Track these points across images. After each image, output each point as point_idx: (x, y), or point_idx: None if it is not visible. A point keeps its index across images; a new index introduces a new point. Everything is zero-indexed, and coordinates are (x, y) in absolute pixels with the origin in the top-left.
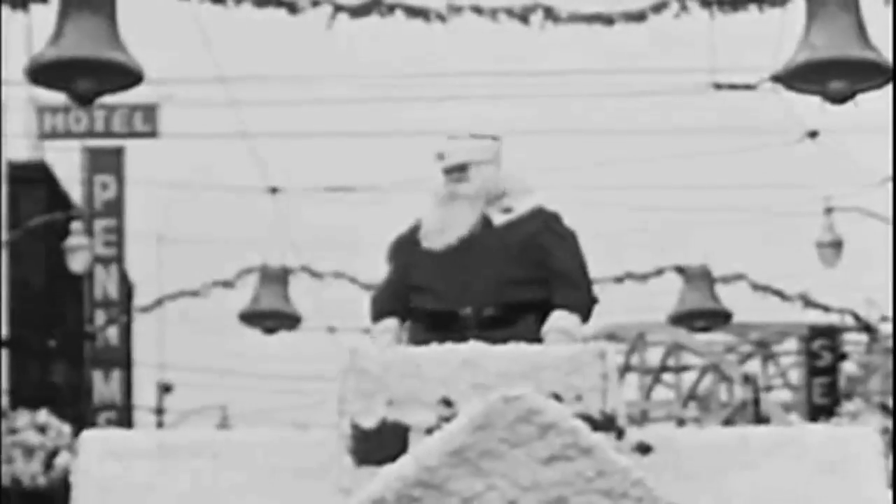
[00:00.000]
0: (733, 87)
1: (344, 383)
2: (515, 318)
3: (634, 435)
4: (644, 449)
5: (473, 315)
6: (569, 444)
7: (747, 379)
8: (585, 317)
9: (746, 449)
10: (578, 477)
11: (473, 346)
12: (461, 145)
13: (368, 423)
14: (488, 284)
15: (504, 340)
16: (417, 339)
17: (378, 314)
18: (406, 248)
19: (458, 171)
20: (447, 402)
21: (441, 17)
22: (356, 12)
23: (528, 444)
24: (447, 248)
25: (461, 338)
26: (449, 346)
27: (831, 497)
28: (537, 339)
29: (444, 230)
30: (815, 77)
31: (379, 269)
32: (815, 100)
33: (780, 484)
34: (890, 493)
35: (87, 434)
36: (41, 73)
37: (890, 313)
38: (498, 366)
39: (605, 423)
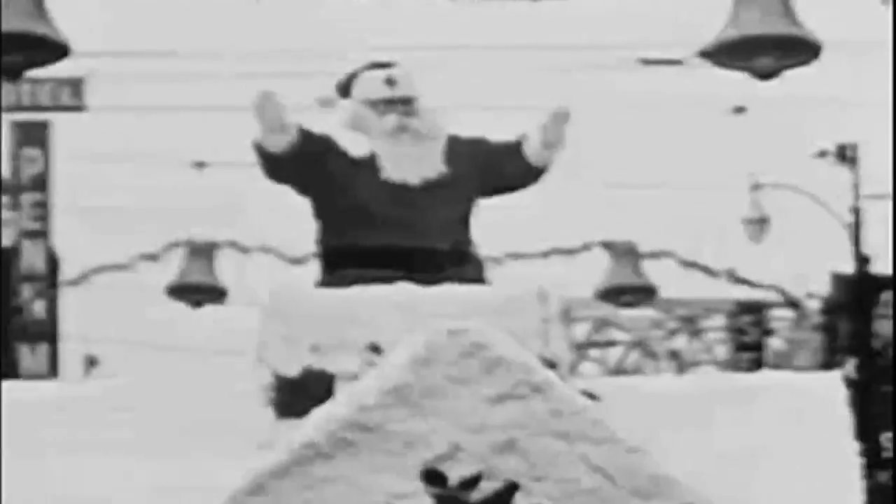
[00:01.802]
0: (661, 62)
1: (264, 328)
2: (467, 259)
3: (578, 385)
4: (590, 397)
5: (431, 254)
6: (519, 382)
7: (673, 355)
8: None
9: (700, 398)
10: (531, 417)
11: (404, 288)
12: (407, 77)
13: (291, 371)
14: (447, 223)
15: (458, 280)
16: (351, 279)
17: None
18: (353, 170)
19: (403, 104)
20: (375, 349)
21: None
22: None
23: (475, 382)
24: (414, 185)
25: (409, 278)
26: (378, 288)
27: (793, 449)
28: (482, 281)
29: (403, 165)
30: (743, 53)
31: (307, 243)
32: (742, 75)
33: (738, 434)
34: (856, 444)
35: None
36: None
37: (816, 289)
38: (431, 308)
39: None
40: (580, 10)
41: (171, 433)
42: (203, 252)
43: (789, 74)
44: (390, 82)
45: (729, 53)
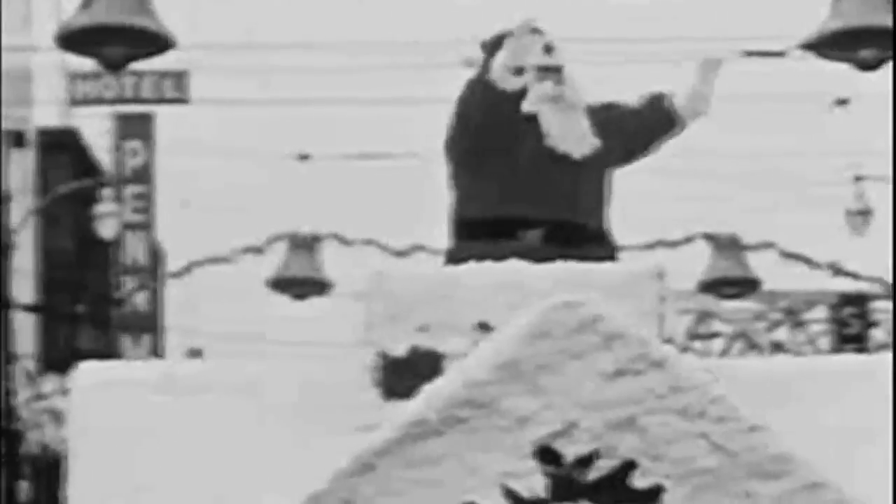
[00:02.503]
0: (763, 53)
1: (369, 308)
2: (608, 239)
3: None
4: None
5: (583, 231)
6: (637, 357)
7: (776, 346)
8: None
9: (803, 379)
10: (649, 394)
11: (513, 265)
12: (560, 46)
13: (397, 351)
14: (597, 200)
15: (598, 260)
16: (497, 250)
17: None
18: (520, 124)
19: (555, 73)
20: (485, 327)
21: None
22: None
23: (591, 356)
24: (576, 158)
25: (559, 255)
26: (487, 265)
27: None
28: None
29: (569, 136)
30: (846, 44)
31: (407, 238)
32: (845, 67)
33: (842, 415)
34: None
35: (83, 366)
36: (71, 40)
37: None
38: (542, 286)
39: None
40: (686, 3)
41: (273, 414)
42: (306, 245)
43: (893, 65)
44: (549, 49)
45: (831, 45)
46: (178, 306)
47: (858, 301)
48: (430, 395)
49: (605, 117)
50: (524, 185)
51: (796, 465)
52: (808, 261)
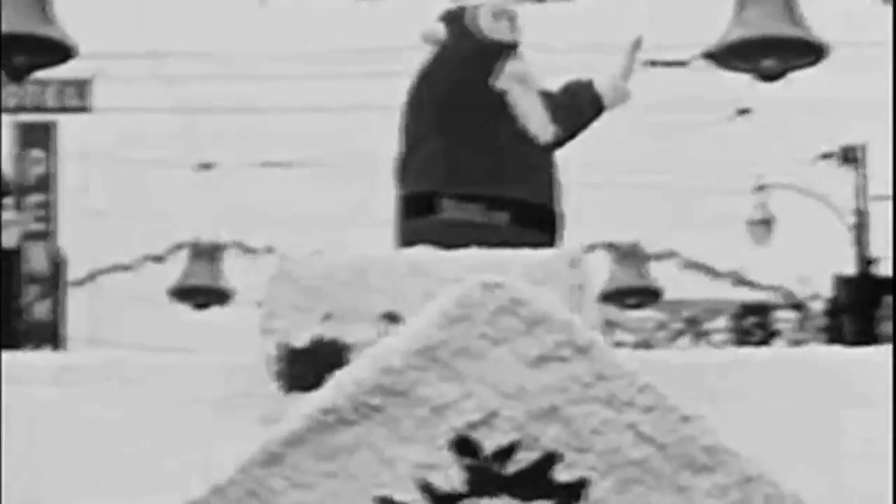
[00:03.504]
0: (666, 63)
1: (270, 296)
2: (561, 224)
3: None
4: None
5: (549, 214)
6: (562, 342)
7: None
8: None
9: (734, 370)
10: (574, 382)
11: (424, 251)
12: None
13: (300, 341)
14: (555, 184)
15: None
16: (455, 225)
17: None
18: (492, 104)
19: (514, 50)
20: (392, 317)
21: None
22: None
23: (512, 342)
24: (541, 142)
25: (519, 237)
26: (395, 252)
27: (840, 425)
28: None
29: (540, 120)
30: (747, 55)
31: (310, 245)
32: (747, 77)
33: (776, 407)
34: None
35: None
36: None
37: (820, 291)
38: (453, 273)
39: None
40: (585, 11)
41: (170, 405)
42: (207, 253)
43: (794, 76)
44: (513, 25)
45: (733, 55)
46: (80, 315)
47: (760, 310)
48: (341, 383)
49: (545, 103)
50: (498, 165)
51: (730, 458)
52: (709, 270)
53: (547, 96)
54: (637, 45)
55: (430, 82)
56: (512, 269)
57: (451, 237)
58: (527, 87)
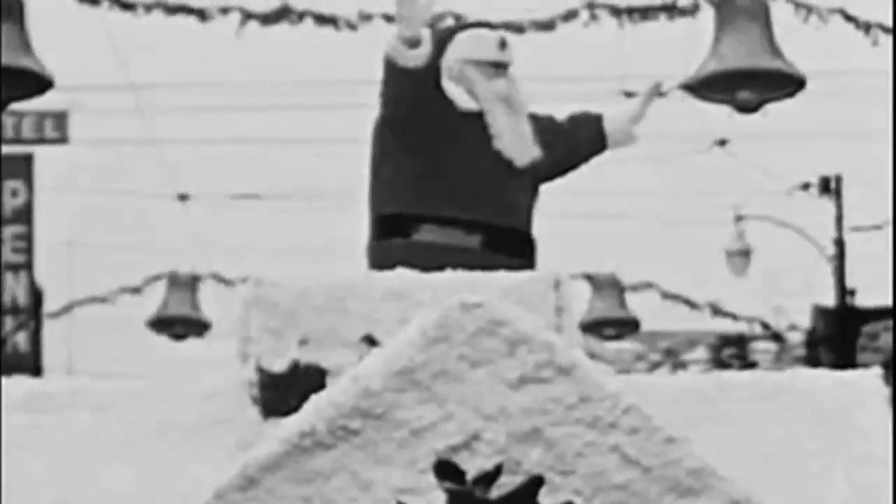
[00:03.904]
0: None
1: (247, 319)
2: (534, 249)
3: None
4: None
5: (523, 239)
6: (544, 363)
7: None
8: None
9: (720, 394)
10: (556, 403)
11: (402, 274)
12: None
13: (277, 366)
14: (531, 210)
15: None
16: (430, 248)
17: None
18: (463, 125)
19: (504, 69)
20: (371, 341)
21: (351, 26)
22: (266, 19)
23: (493, 363)
24: (520, 164)
25: (491, 262)
26: (373, 274)
27: (828, 452)
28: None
29: (519, 141)
30: (724, 86)
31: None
32: (725, 109)
33: (763, 432)
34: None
35: None
36: None
37: (798, 322)
38: (431, 296)
39: None
40: (564, 42)
41: (145, 432)
42: (185, 284)
43: (772, 107)
44: (503, 45)
45: (710, 86)
46: (57, 347)
47: (738, 342)
48: (319, 406)
49: (539, 128)
50: (470, 185)
51: (716, 481)
52: (687, 301)
53: (542, 121)
54: (656, 88)
55: (388, 102)
56: (491, 291)
57: (423, 259)
58: (510, 107)
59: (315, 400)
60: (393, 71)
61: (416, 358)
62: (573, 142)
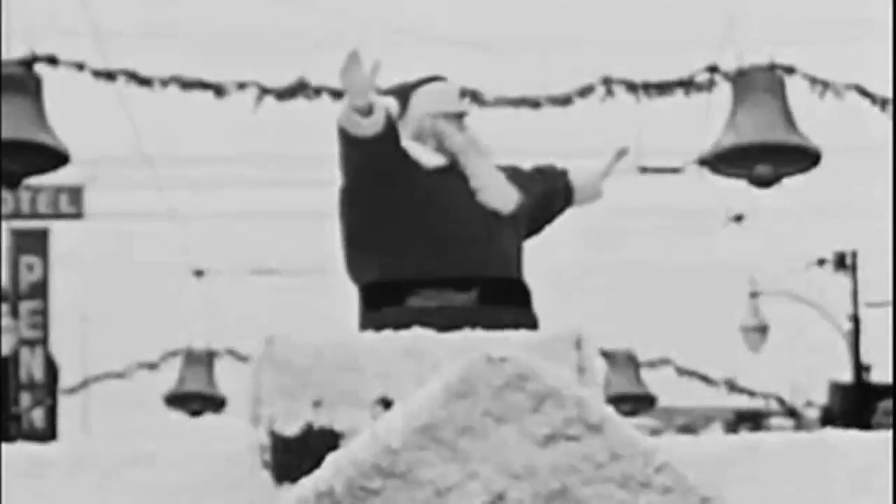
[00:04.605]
0: (659, 170)
1: (258, 380)
2: (530, 300)
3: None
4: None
5: (518, 289)
6: (573, 419)
7: None
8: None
9: (751, 455)
10: (585, 461)
11: (418, 333)
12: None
13: (290, 429)
14: (519, 258)
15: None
16: (423, 313)
17: None
18: (437, 184)
19: (459, 119)
20: (386, 402)
21: None
22: (282, 95)
23: (520, 419)
24: (504, 213)
25: (488, 318)
26: (387, 333)
27: None
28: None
29: (503, 190)
30: (741, 161)
31: None
32: (742, 183)
33: (792, 493)
34: None
35: None
36: None
37: (814, 398)
38: (449, 355)
39: None
40: (579, 116)
41: (150, 499)
42: (201, 361)
43: (788, 182)
44: (463, 95)
45: (727, 161)
46: (73, 422)
47: (754, 417)
48: (338, 465)
49: (509, 176)
50: (457, 240)
51: None
52: (703, 377)
53: (509, 170)
54: (622, 153)
55: (350, 173)
56: (511, 348)
57: (421, 325)
58: (483, 156)
59: (334, 458)
60: (350, 141)
61: (438, 414)
62: (545, 189)
